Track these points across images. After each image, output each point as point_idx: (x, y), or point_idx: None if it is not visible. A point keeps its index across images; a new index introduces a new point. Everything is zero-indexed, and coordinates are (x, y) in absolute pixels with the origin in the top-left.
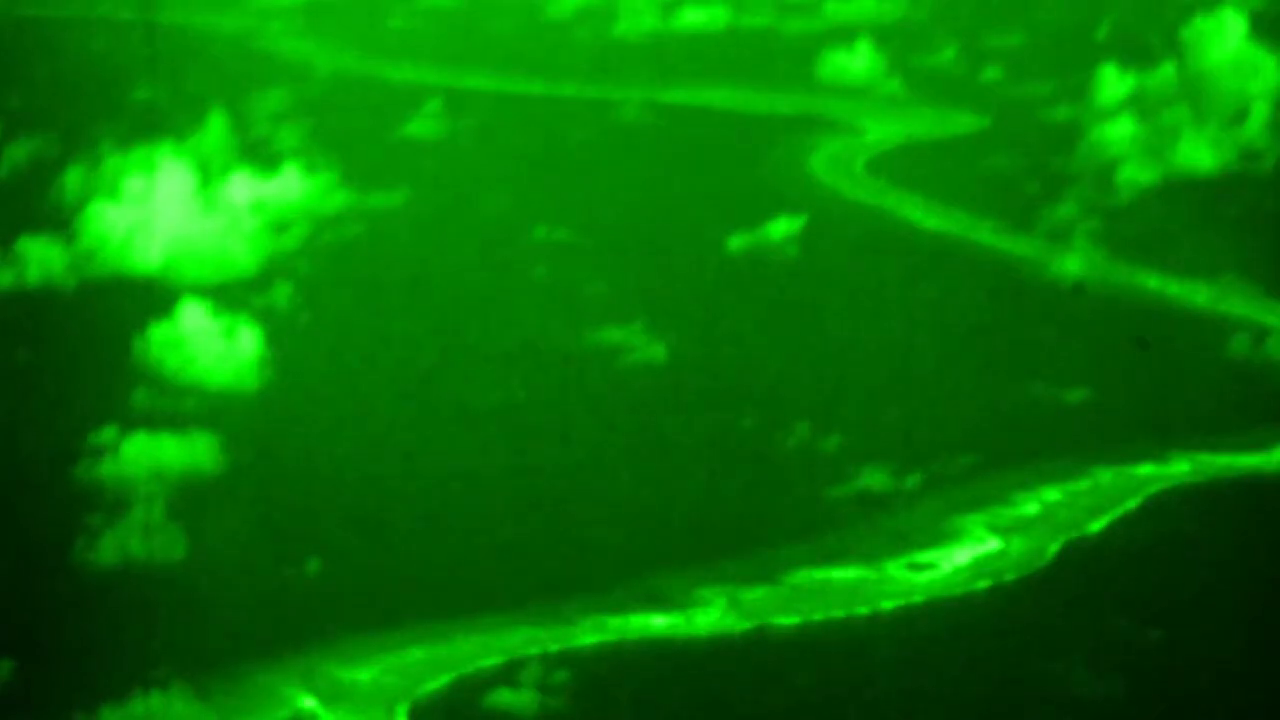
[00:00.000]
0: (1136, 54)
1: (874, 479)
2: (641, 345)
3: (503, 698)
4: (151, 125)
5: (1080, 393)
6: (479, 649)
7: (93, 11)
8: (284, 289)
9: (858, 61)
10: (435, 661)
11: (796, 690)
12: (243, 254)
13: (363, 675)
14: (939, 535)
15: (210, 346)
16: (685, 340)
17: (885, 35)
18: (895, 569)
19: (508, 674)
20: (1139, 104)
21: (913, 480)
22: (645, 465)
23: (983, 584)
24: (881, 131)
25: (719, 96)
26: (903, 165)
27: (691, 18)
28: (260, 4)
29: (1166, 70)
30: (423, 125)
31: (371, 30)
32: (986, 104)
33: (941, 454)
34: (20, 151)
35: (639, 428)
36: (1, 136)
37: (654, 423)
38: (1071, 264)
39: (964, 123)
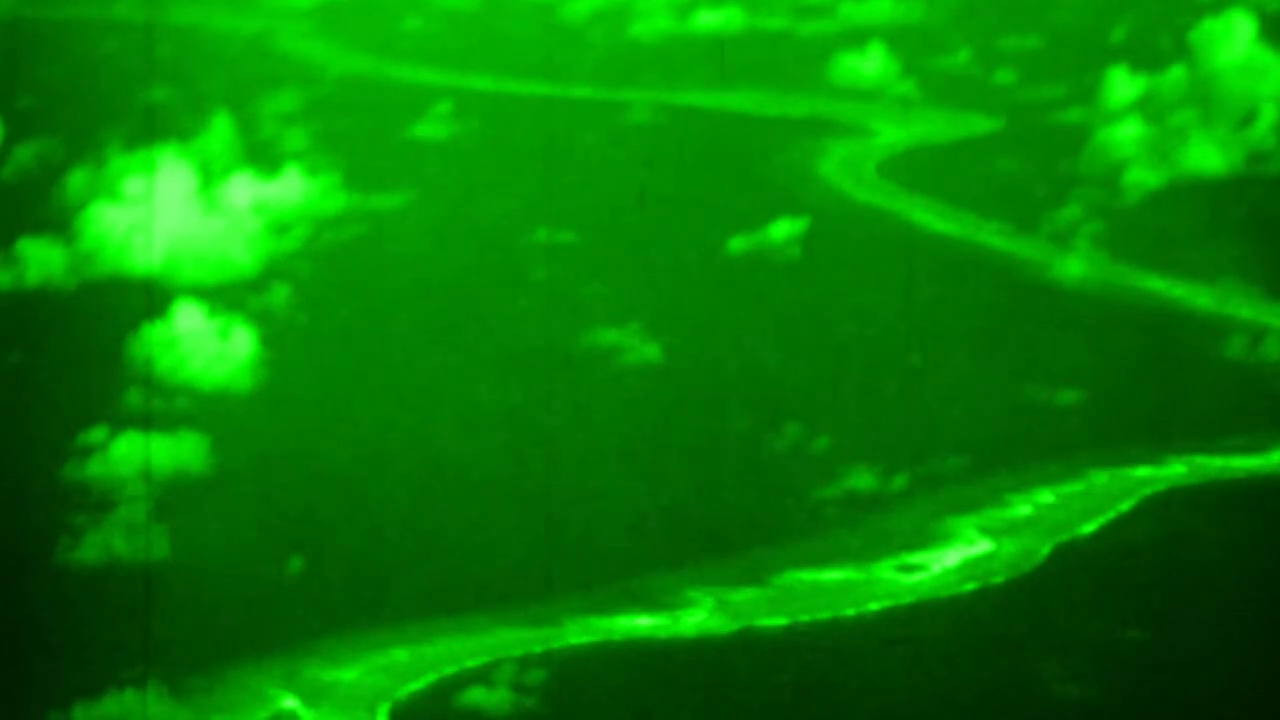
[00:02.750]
0: (1147, 57)
1: (864, 480)
2: (637, 346)
3: (476, 696)
4: (158, 127)
5: (1076, 394)
6: (464, 649)
7: (104, 14)
8: (282, 290)
9: (871, 64)
10: (419, 662)
11: (775, 690)
12: (242, 255)
13: (345, 675)
14: (930, 537)
15: (205, 348)
16: (681, 341)
17: (901, 38)
18: (885, 570)
19: (487, 674)
20: (1147, 106)
21: (902, 482)
22: (636, 465)
23: (971, 586)
24: (893, 134)
25: (731, 99)
26: (912, 168)
27: (706, 20)
28: (275, 6)
29: (1176, 73)
30: (431, 127)
31: (386, 32)
32: (999, 107)
33: (934, 455)
34: (26, 153)
35: (631, 428)
36: (8, 138)
37: (646, 423)
38: (1073, 266)
39: (976, 125)
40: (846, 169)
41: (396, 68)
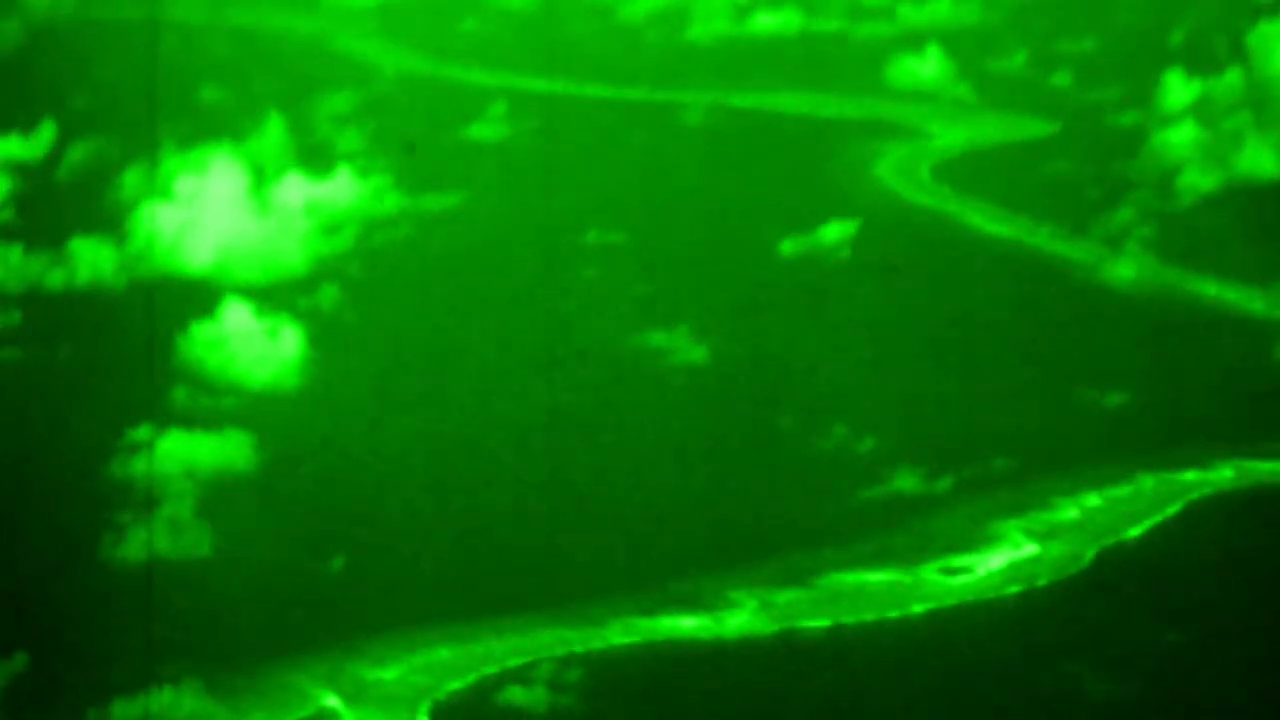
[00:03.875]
0: (1205, 60)
1: (909, 482)
2: (685, 347)
3: (514, 695)
4: (213, 127)
5: (1125, 397)
6: (506, 649)
7: (162, 14)
8: (330, 290)
9: (927, 66)
10: (461, 661)
11: (816, 692)
12: (293, 255)
13: (388, 674)
14: (975, 539)
15: (252, 346)
16: (729, 342)
17: (958, 40)
18: (929, 573)
19: (525, 672)
20: (1203, 110)
21: (948, 484)
22: (681, 467)
23: (1015, 589)
24: (950, 137)
25: (787, 101)
26: (968, 170)
27: (764, 22)
28: (333, 6)
29: (1233, 76)
30: (485, 128)
31: (443, 32)
32: (1055, 109)
33: (980, 457)
34: (80, 152)
35: (676, 430)
36: (63, 137)
37: (691, 425)
38: (1123, 269)
39: (1032, 128)
40: (901, 172)
41: (453, 68)
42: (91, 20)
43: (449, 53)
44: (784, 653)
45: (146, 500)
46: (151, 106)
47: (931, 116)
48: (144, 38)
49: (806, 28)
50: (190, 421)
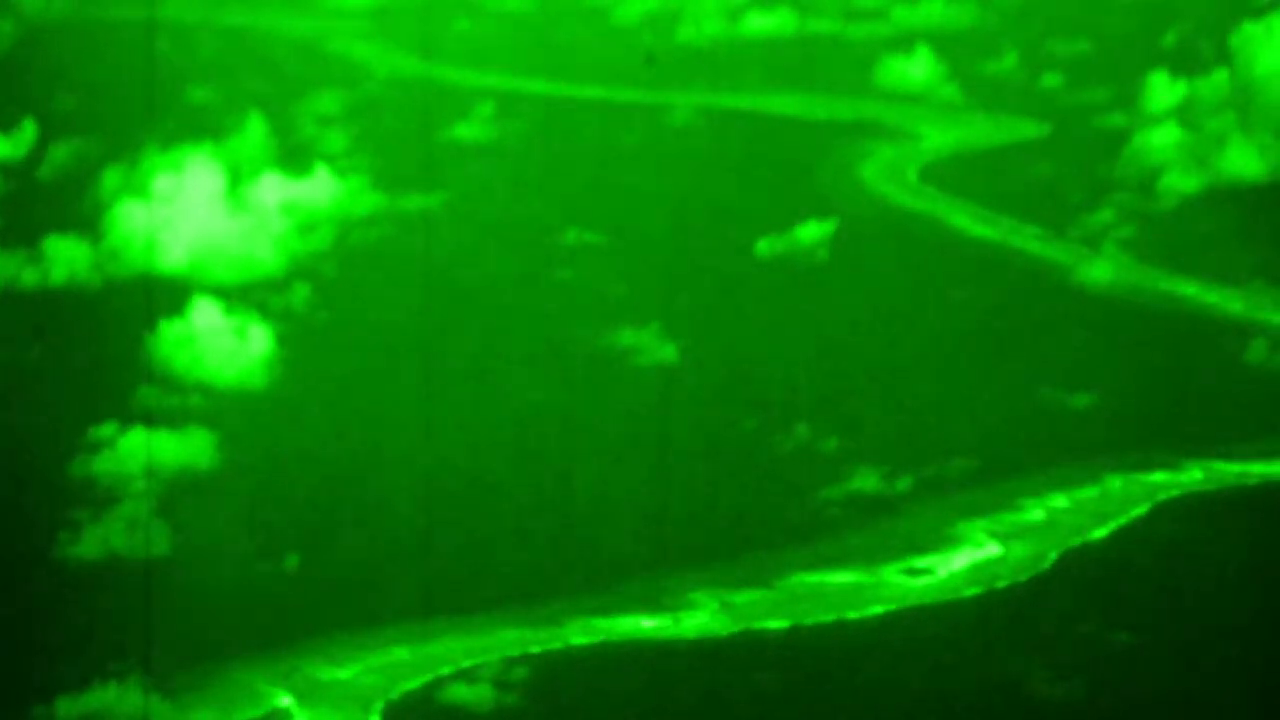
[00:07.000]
0: (1193, 61)
1: (872, 483)
2: (654, 347)
3: (458, 693)
4: (196, 127)
5: (1093, 397)
6: (464, 649)
7: (154, 14)
8: (303, 289)
9: (917, 68)
10: (418, 661)
11: (770, 692)
12: (268, 255)
13: (343, 674)
14: (939, 540)
15: (221, 345)
16: (698, 342)
17: (950, 42)
18: (891, 574)
19: (474, 671)
20: (1188, 111)
21: (912, 484)
22: (643, 466)
23: (975, 590)
24: (939, 138)
25: (776, 102)
26: (955, 172)
27: (757, 23)
28: (328, 6)
29: (1219, 77)
30: (471, 129)
31: (437, 34)
32: (1044, 111)
33: (948, 458)
34: (63, 152)
35: (640, 429)
36: (45, 137)
37: (655, 424)
38: (1099, 270)
39: (1021, 130)
40: (888, 173)
41: (444, 69)
42: (82, 20)
43: (441, 54)
44: (742, 654)
45: (105, 499)
46: (142, 107)
47: (922, 118)
48: (135, 38)
49: (800, 29)
50: (155, 420)
